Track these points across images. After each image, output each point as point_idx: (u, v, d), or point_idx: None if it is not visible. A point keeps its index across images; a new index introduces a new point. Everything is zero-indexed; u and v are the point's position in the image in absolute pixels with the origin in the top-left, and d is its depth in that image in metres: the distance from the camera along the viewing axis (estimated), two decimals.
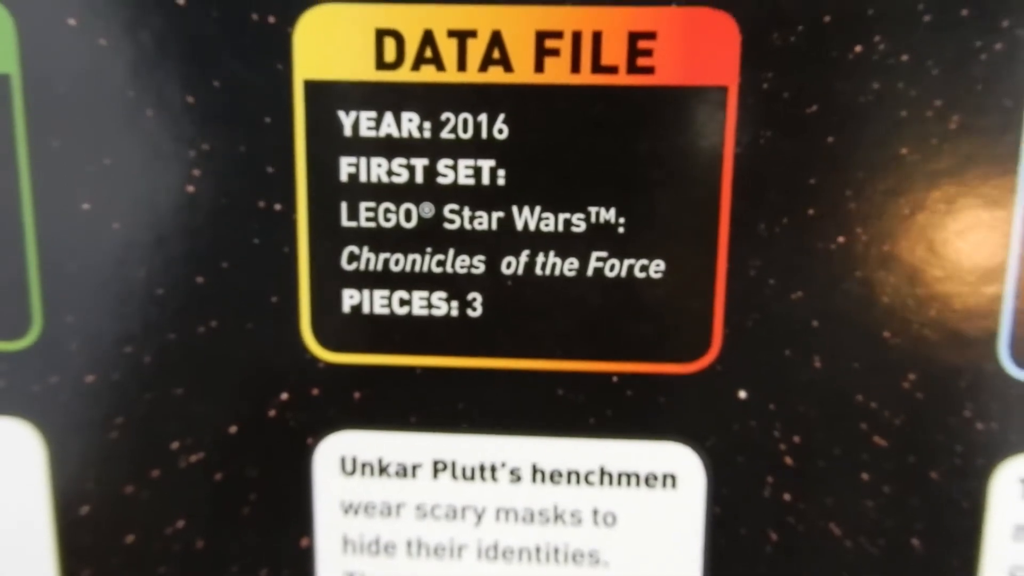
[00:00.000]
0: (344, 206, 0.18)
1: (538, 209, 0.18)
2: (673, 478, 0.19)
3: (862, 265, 0.17)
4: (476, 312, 0.18)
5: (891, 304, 0.18)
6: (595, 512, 0.19)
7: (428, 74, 0.17)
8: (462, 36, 0.17)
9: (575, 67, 0.17)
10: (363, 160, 0.18)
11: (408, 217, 0.18)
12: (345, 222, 0.18)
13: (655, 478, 0.19)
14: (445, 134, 0.17)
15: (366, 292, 0.18)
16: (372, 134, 0.17)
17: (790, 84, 0.17)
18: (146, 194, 0.18)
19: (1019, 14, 0.16)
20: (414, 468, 0.19)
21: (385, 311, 0.18)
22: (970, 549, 0.19)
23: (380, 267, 0.18)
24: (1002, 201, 0.17)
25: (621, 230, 0.17)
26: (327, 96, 0.17)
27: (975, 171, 0.17)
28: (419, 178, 0.18)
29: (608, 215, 0.17)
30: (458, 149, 0.17)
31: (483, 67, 0.17)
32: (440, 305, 0.18)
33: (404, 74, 0.17)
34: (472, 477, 0.19)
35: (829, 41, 0.16)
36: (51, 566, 0.20)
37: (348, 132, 0.17)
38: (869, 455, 0.18)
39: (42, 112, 0.18)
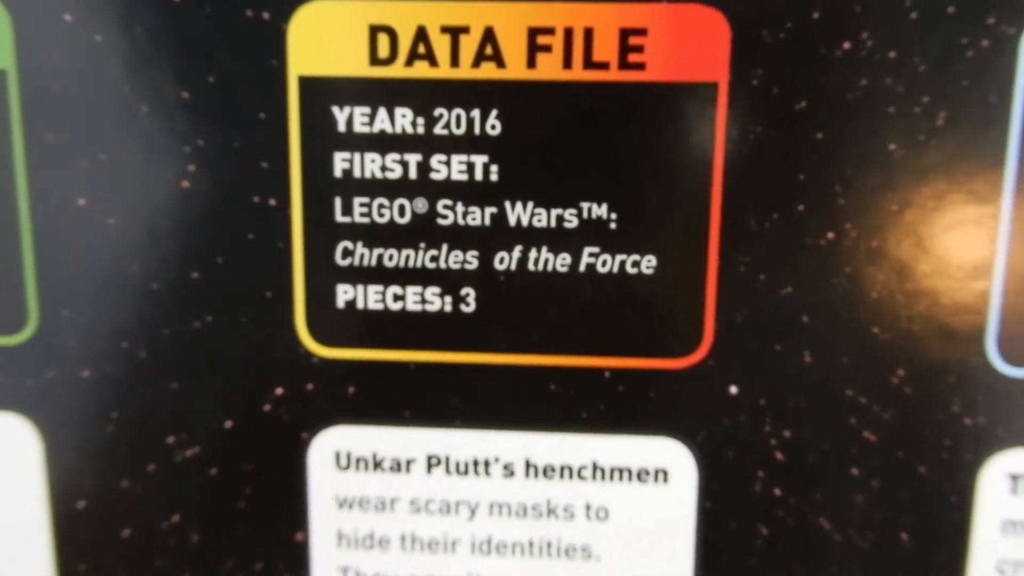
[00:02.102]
0: (338, 201, 0.18)
1: (531, 204, 0.18)
2: (665, 473, 0.19)
3: (851, 261, 0.18)
4: (469, 307, 0.18)
5: (880, 299, 0.18)
6: (587, 506, 0.19)
7: (421, 70, 0.17)
8: (455, 32, 0.17)
9: (567, 63, 0.17)
10: (357, 156, 0.18)
11: (402, 212, 0.18)
12: (339, 217, 0.18)
13: (647, 473, 0.19)
14: (438, 130, 0.17)
15: (360, 287, 0.18)
16: (366, 130, 0.18)
17: (779, 80, 0.17)
18: (141, 190, 0.18)
19: (1004, 11, 0.16)
20: (408, 463, 0.19)
21: (379, 306, 0.18)
22: (958, 543, 0.19)
23: (374, 262, 0.18)
24: (989, 197, 0.17)
25: (613, 225, 0.18)
26: (321, 92, 0.17)
27: (962, 167, 0.17)
28: (412, 173, 0.18)
29: (600, 211, 0.18)
30: (451, 144, 0.17)
31: (476, 63, 0.17)
32: (433, 300, 0.18)
33: (397, 70, 0.17)
34: (466, 472, 0.19)
35: (818, 38, 0.17)
36: (47, 560, 0.20)
37: (342, 128, 0.18)
38: (858, 450, 0.18)
39: (38, 107, 0.18)
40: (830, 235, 0.17)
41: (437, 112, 0.17)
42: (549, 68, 0.17)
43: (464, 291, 0.18)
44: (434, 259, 0.18)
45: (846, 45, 0.17)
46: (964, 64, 0.17)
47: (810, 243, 0.17)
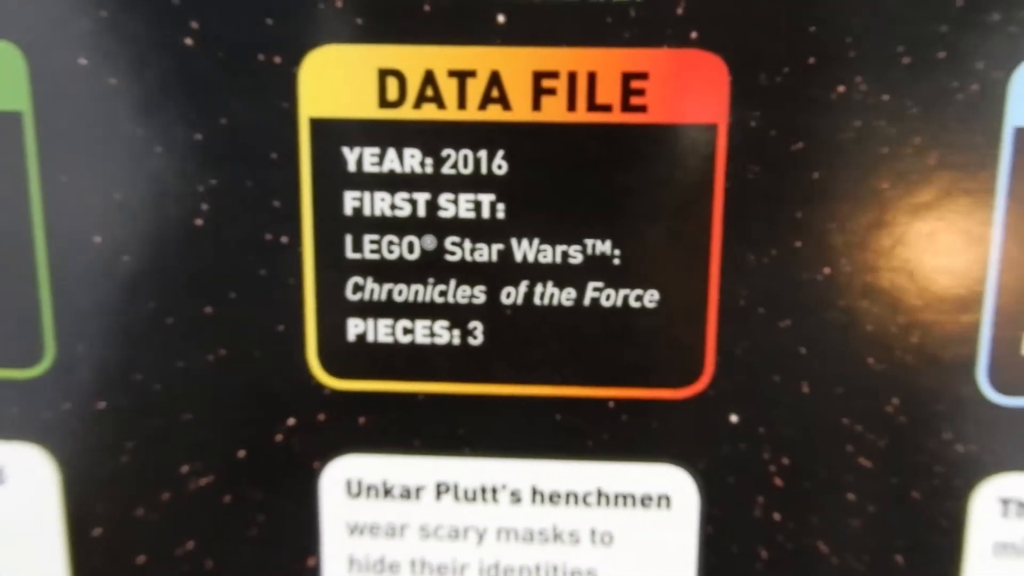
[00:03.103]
0: (348, 239, 0.18)
1: (536, 241, 0.18)
2: (667, 499, 0.19)
3: (846, 295, 0.18)
4: (477, 340, 0.19)
5: (874, 332, 0.18)
6: (593, 532, 0.20)
7: (429, 112, 0.18)
8: (462, 76, 0.17)
9: (571, 106, 0.17)
10: (367, 194, 0.18)
11: (411, 249, 0.18)
12: (350, 254, 0.18)
13: (650, 499, 0.19)
14: (446, 169, 0.18)
15: (370, 321, 0.19)
16: (375, 169, 0.18)
17: (777, 122, 0.17)
18: (155, 228, 0.18)
19: (992, 57, 0.17)
20: (418, 490, 0.20)
21: (389, 339, 0.19)
22: (951, 566, 0.19)
23: (384, 297, 0.19)
24: (979, 234, 0.18)
25: (616, 261, 0.18)
26: (332, 133, 0.18)
27: (953, 205, 0.18)
28: (421, 211, 0.18)
29: (604, 247, 0.18)
30: (459, 184, 0.18)
31: (482, 106, 0.17)
32: (442, 334, 0.19)
33: (406, 112, 0.18)
34: (474, 499, 0.20)
35: (813, 81, 0.17)
36: None
37: (352, 167, 0.18)
38: (854, 476, 0.19)
39: (53, 149, 0.18)
40: (826, 270, 0.18)
41: (445, 152, 0.18)
42: (554, 111, 0.17)
43: (472, 324, 0.19)
44: (442, 294, 0.18)
45: (840, 88, 0.17)
46: (954, 107, 0.17)
47: (807, 278, 0.18)
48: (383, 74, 0.17)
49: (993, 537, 0.19)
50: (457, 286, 0.18)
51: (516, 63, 0.17)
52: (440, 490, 0.20)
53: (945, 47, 0.17)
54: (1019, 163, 0.17)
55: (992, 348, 0.18)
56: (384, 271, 0.18)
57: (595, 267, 0.18)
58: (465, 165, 0.18)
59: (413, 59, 0.17)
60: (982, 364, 0.18)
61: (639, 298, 0.18)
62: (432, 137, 0.18)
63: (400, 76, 0.17)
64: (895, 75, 0.17)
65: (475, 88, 0.17)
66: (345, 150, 0.18)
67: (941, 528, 0.19)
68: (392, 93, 0.18)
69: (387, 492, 0.20)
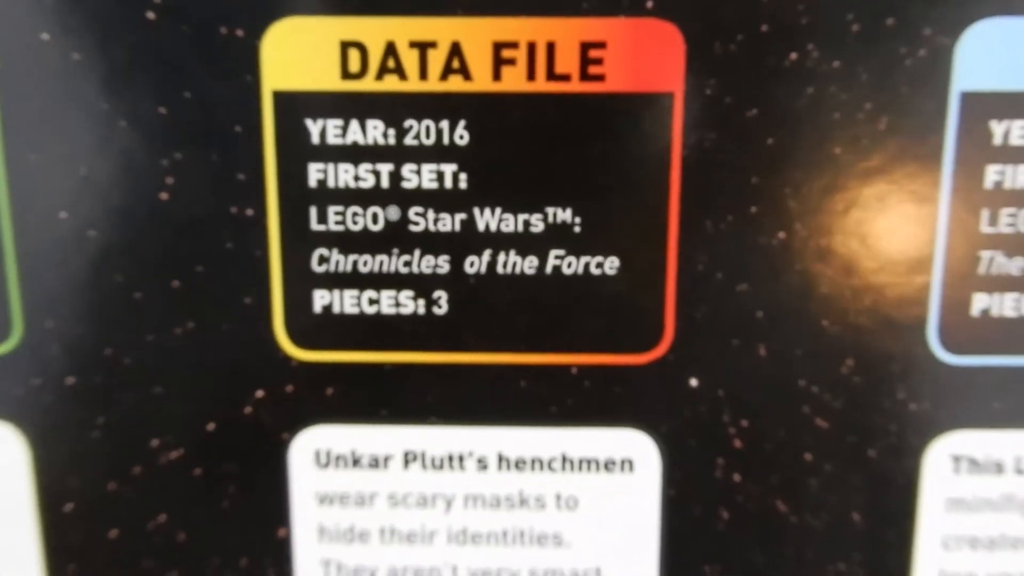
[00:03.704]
0: (313, 210, 0.18)
1: (499, 210, 0.18)
2: (630, 463, 0.20)
3: (801, 258, 0.18)
4: (442, 310, 0.19)
5: (829, 295, 0.19)
6: (558, 496, 0.20)
7: (391, 83, 0.18)
8: (423, 47, 0.18)
9: (531, 75, 0.18)
10: (331, 166, 0.18)
11: (375, 220, 0.18)
12: (315, 226, 0.19)
13: (613, 463, 0.20)
14: (409, 140, 0.18)
15: (336, 292, 0.19)
16: (339, 141, 0.18)
17: (732, 90, 0.18)
18: (121, 202, 0.18)
19: (939, 23, 0.17)
20: (386, 459, 0.20)
21: (355, 310, 0.19)
22: (906, 521, 0.20)
23: (349, 268, 0.19)
24: (928, 196, 0.18)
25: (577, 229, 0.18)
26: (295, 105, 0.18)
27: (903, 169, 0.18)
28: (385, 183, 0.18)
29: (565, 215, 0.18)
30: (421, 154, 0.18)
31: (444, 76, 0.18)
32: (407, 303, 0.19)
33: (368, 83, 0.18)
34: (441, 466, 0.20)
35: (767, 49, 0.17)
36: (37, 562, 0.20)
37: (316, 140, 0.18)
38: (811, 436, 0.19)
39: (18, 125, 0.18)
40: (781, 235, 0.18)
41: (407, 123, 0.18)
42: (514, 81, 0.18)
43: (436, 294, 0.19)
44: (407, 264, 0.19)
45: (793, 56, 0.17)
46: (903, 72, 0.18)
47: (763, 243, 0.18)
48: (345, 46, 0.18)
49: (946, 493, 0.19)
50: (421, 256, 0.19)
51: (476, 33, 0.17)
52: (408, 459, 0.20)
53: (893, 14, 0.17)
54: (965, 126, 0.18)
55: (942, 309, 0.19)
56: (349, 242, 0.19)
57: (556, 235, 0.18)
58: (427, 136, 0.18)
59: (374, 31, 0.18)
60: (933, 325, 0.19)
61: (600, 265, 0.18)
62: (394, 108, 0.18)
63: (362, 48, 0.18)
64: (846, 42, 0.17)
65: (436, 59, 0.18)
66: (308, 122, 0.18)
67: (896, 485, 0.19)
68: (354, 65, 0.18)
69: (355, 462, 0.20)
